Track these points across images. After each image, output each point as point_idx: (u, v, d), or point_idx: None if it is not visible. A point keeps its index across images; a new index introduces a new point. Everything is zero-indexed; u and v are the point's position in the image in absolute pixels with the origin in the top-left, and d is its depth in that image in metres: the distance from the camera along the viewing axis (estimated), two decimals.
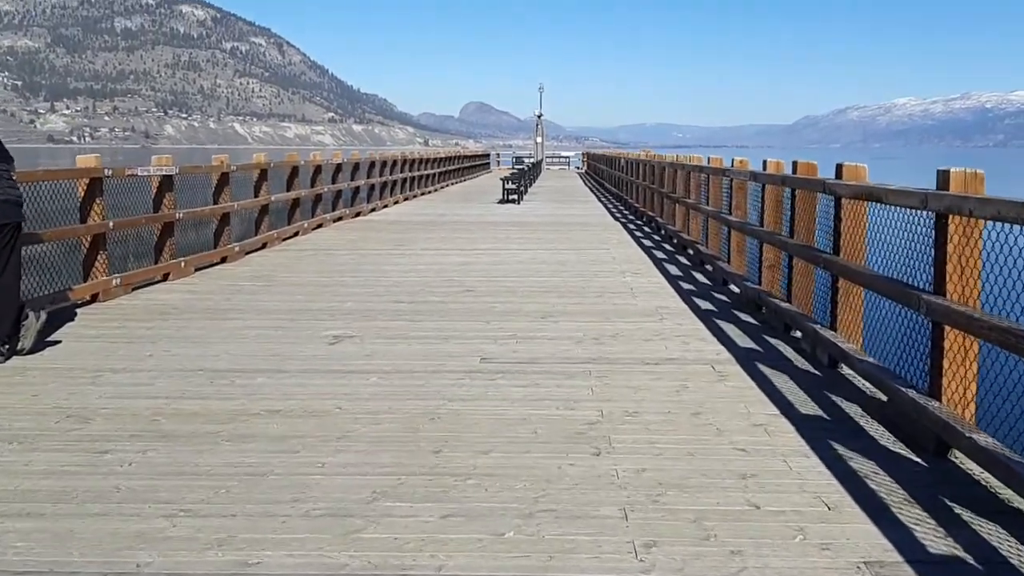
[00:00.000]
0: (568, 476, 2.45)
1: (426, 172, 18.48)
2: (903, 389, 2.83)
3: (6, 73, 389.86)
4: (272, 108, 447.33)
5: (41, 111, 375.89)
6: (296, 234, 9.35)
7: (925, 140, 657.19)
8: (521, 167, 22.30)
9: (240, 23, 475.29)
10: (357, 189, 12.51)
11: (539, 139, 40.34)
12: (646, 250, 8.29)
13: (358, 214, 12.09)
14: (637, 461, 2.57)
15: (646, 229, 10.54)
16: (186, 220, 6.95)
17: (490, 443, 2.74)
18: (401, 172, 15.76)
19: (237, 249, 7.58)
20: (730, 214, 6.11)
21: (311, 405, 3.17)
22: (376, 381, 3.50)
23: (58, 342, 4.23)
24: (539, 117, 40.96)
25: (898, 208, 3.01)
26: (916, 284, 2.90)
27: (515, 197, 15.44)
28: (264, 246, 8.32)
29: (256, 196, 8.60)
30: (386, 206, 13.94)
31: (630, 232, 10.18)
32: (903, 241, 3.10)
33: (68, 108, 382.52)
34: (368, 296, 5.59)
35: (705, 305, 5.21)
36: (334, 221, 10.89)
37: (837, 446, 2.70)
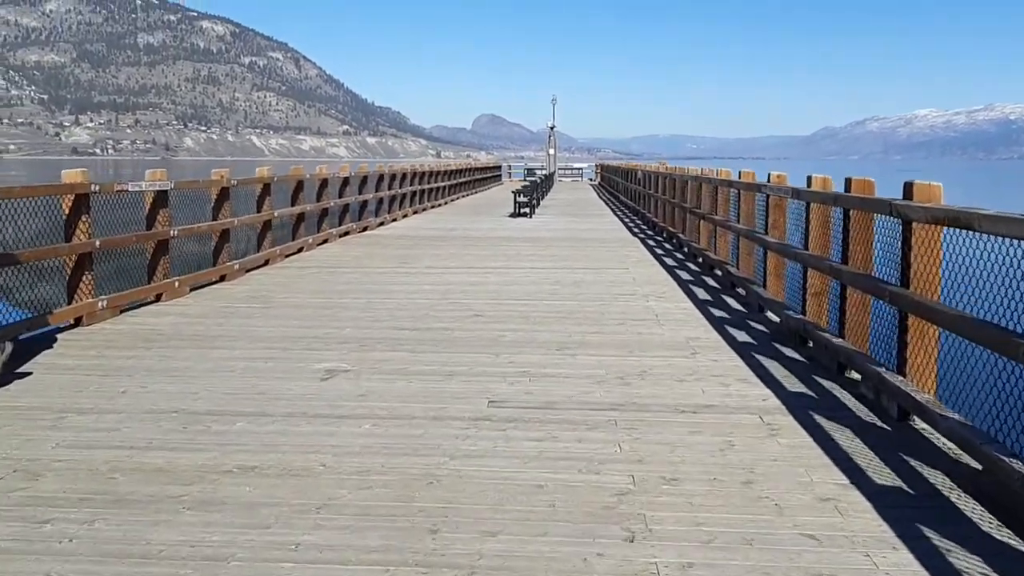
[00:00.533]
0: (596, 574, 1.97)
1: (436, 185, 18.16)
2: (1005, 459, 2.31)
3: (33, 87, 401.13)
4: (288, 121, 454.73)
5: (66, 124, 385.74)
6: (300, 250, 9.00)
7: (947, 152, 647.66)
8: (533, 179, 21.93)
9: (258, 38, 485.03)
10: (365, 203, 12.18)
11: (551, 151, 40.02)
12: (669, 270, 7.78)
13: (365, 228, 11.74)
14: (681, 551, 2.08)
15: (667, 246, 10.02)
16: (183, 236, 6.61)
17: (498, 520, 2.27)
18: (411, 185, 15.43)
19: (236, 267, 7.22)
20: (766, 233, 5.59)
21: (292, 461, 2.73)
22: (369, 429, 3.06)
23: (28, 374, 3.87)
24: (551, 129, 40.68)
25: (992, 237, 2.50)
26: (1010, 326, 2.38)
27: (527, 210, 15.01)
28: (266, 263, 7.98)
29: (259, 211, 8.27)
30: (395, 220, 13.60)
31: (650, 249, 9.68)
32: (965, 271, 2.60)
33: (92, 121, 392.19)
34: (368, 321, 5.18)
35: (741, 336, 4.69)
36: (340, 236, 10.55)
37: (929, 532, 2.19)
